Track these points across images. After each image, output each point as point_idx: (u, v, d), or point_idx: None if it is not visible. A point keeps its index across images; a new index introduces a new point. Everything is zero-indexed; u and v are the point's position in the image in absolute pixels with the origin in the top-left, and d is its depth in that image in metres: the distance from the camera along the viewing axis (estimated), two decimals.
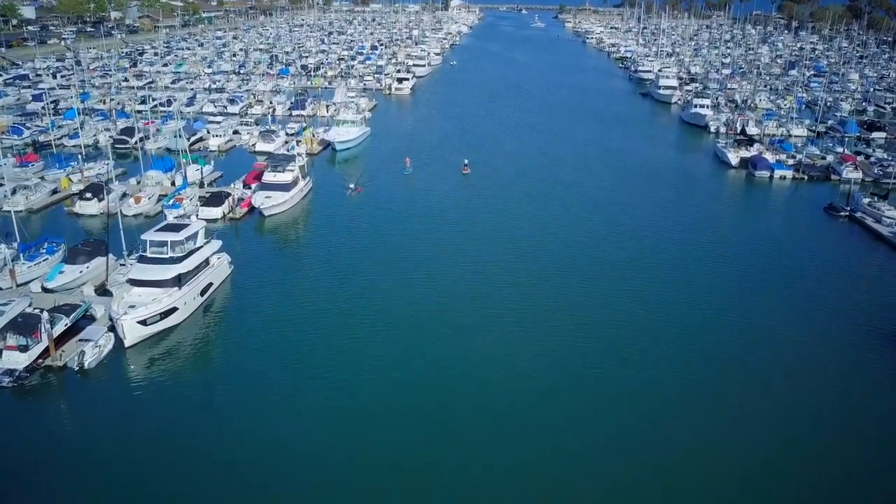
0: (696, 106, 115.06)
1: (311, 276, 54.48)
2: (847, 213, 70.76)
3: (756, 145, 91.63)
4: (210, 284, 49.89)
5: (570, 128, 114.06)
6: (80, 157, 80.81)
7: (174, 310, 45.10)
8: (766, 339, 46.45)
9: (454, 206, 71.17)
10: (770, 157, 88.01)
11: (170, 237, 47.12)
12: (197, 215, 65.13)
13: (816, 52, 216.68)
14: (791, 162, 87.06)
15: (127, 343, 42.75)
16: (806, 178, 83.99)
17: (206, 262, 50.02)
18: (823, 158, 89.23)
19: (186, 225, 49.16)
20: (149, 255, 46.62)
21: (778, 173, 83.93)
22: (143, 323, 43.13)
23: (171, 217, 53.67)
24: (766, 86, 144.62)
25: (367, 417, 37.45)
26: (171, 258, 46.44)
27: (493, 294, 51.54)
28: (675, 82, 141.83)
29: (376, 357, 42.93)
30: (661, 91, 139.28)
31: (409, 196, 73.92)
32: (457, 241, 61.67)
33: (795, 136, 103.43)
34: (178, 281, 45.99)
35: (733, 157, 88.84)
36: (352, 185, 73.54)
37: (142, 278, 45.50)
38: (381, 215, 68.03)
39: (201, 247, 49.54)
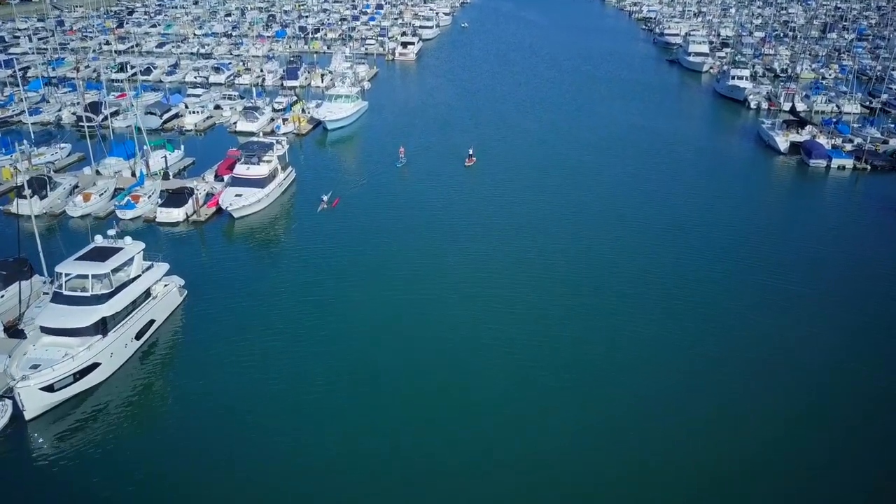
0: (733, 77, 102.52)
1: (284, 301, 44.42)
2: None
3: (808, 127, 79.55)
4: (151, 323, 39.93)
5: (590, 100, 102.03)
6: (28, 139, 69.97)
7: (95, 366, 35.19)
8: (832, 380, 37.89)
9: (453, 205, 60.47)
10: (824, 141, 76.36)
11: (92, 269, 37.00)
12: (155, 218, 55.36)
13: (853, 12, 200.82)
14: (849, 148, 75.40)
15: (28, 415, 33.04)
16: (868, 167, 72.38)
17: (147, 293, 39.97)
18: (885, 143, 77.42)
19: (117, 250, 38.89)
20: (65, 292, 36.51)
21: (836, 162, 72.39)
22: (50, 389, 33.32)
23: (113, 227, 41.86)
24: (805, 51, 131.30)
25: None
26: (94, 297, 36.38)
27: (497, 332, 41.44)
28: (706, 48, 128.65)
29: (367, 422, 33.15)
30: (690, 58, 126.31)
31: (398, 196, 62.86)
32: (454, 255, 51.24)
33: (846, 113, 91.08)
34: (102, 327, 36.01)
35: (782, 141, 77.12)
36: (324, 198, 58.77)
37: (53, 325, 35.54)
38: (367, 220, 57.46)
39: (138, 276, 39.46)
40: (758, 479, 31.16)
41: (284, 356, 38.67)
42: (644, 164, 73.18)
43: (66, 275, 36.69)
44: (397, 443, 32.71)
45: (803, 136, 77.61)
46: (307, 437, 33.07)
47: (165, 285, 42.01)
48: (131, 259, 39.01)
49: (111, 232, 39.90)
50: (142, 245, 40.12)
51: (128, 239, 39.93)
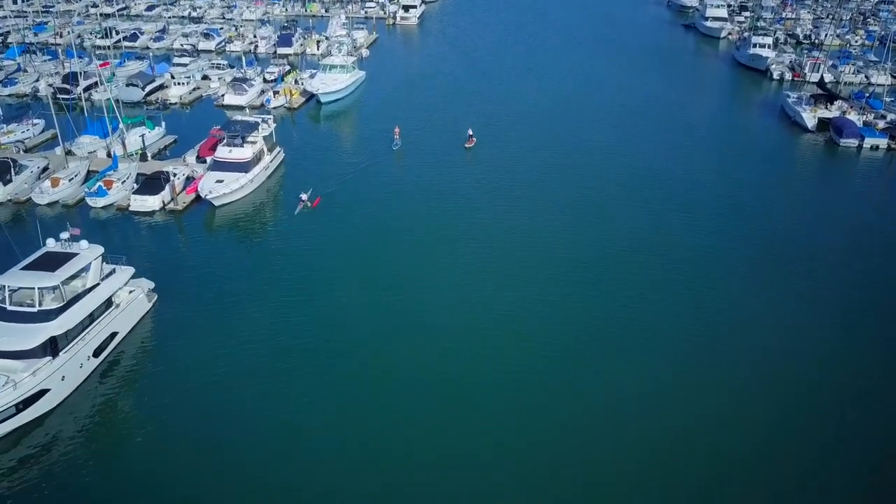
0: (754, 45, 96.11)
1: (269, 302, 40.29)
2: None
3: (838, 102, 73.81)
4: (112, 336, 35.58)
5: (600, 70, 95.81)
6: None
7: (43, 393, 30.93)
8: (874, 377, 35.10)
9: (450, 194, 55.51)
10: (855, 117, 70.84)
11: (40, 280, 32.56)
12: (129, 206, 50.78)
13: None
14: (882, 125, 69.85)
15: None
16: None
17: (108, 303, 35.56)
18: None
19: (71, 257, 34.36)
20: (8, 307, 32.09)
21: (868, 142, 66.99)
22: None
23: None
24: (828, 16, 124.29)
25: None
26: (42, 313, 32.01)
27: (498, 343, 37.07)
28: (724, 12, 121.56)
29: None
30: (707, 23, 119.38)
31: (392, 184, 57.41)
32: (451, 252, 46.62)
33: (877, 85, 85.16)
34: (52, 347, 31.69)
35: (809, 117, 71.52)
36: (303, 197, 51.88)
37: None
38: (359, 211, 52.70)
39: (97, 285, 34.99)
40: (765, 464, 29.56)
41: (268, 369, 34.71)
42: (658, 142, 67.85)
43: (10, 288, 32.22)
44: (399, 468, 28.68)
45: (832, 111, 71.99)
46: (292, 465, 29.13)
47: (131, 291, 37.58)
48: (88, 266, 34.51)
49: (64, 235, 35.28)
50: (100, 249, 35.49)
51: (84, 243, 35.23)
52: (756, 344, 37.99)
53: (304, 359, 35.61)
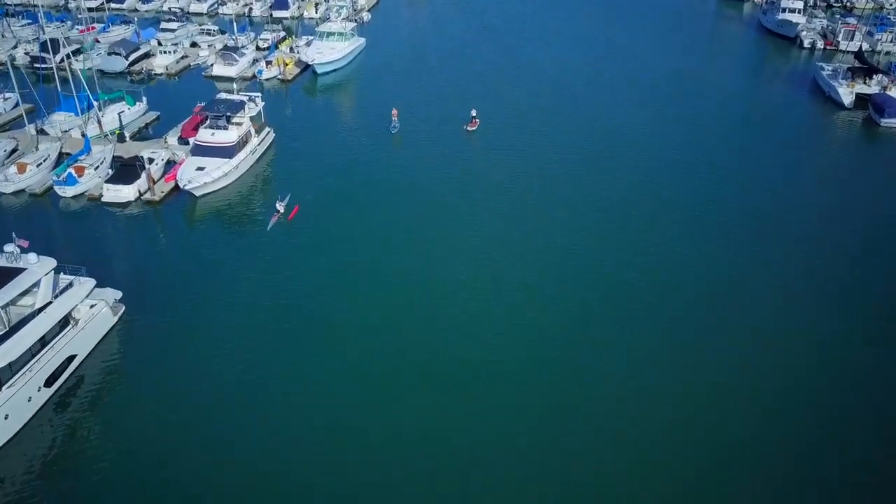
0: (783, 10, 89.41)
1: (254, 310, 36.26)
2: None
3: (878, 77, 67.83)
4: (69, 360, 31.35)
5: (615, 35, 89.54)
6: None
7: None
8: None
9: (451, 183, 50.60)
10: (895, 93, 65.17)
11: None
12: (101, 197, 46.23)
13: None
14: None
15: None
16: None
17: (64, 322, 31.27)
18: None
19: (16, 273, 29.84)
20: None
21: None
22: None
23: (13, 240, 31.94)
24: None
25: None
26: None
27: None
28: None
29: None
30: None
31: (389, 173, 51.71)
32: (450, 250, 42.03)
33: None
34: None
35: (846, 93, 65.81)
36: (279, 207, 44.76)
37: None
38: (353, 204, 47.90)
39: (48, 304, 30.63)
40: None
41: (252, 390, 30.74)
42: (679, 119, 62.49)
43: None
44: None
45: (872, 87, 66.23)
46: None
47: (92, 306, 33.22)
48: (37, 283, 30.07)
49: (9, 248, 30.71)
50: (52, 263, 30.97)
51: (32, 256, 30.66)
52: (791, 351, 33.85)
53: (297, 381, 31.43)
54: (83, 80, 54.72)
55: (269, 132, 54.92)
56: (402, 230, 43.73)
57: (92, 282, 33.27)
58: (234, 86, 59.87)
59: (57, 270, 31.86)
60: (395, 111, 58.53)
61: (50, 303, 30.68)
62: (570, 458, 28.18)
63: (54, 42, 68.71)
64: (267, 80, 69.51)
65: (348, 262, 40.27)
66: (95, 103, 54.73)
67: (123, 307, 35.46)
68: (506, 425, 29.67)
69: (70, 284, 32.32)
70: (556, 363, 33.27)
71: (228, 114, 50.13)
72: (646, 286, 38.98)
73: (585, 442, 28.98)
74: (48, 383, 30.00)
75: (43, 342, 29.94)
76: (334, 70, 72.25)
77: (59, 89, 57.49)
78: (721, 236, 44.21)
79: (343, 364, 32.92)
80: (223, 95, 53.90)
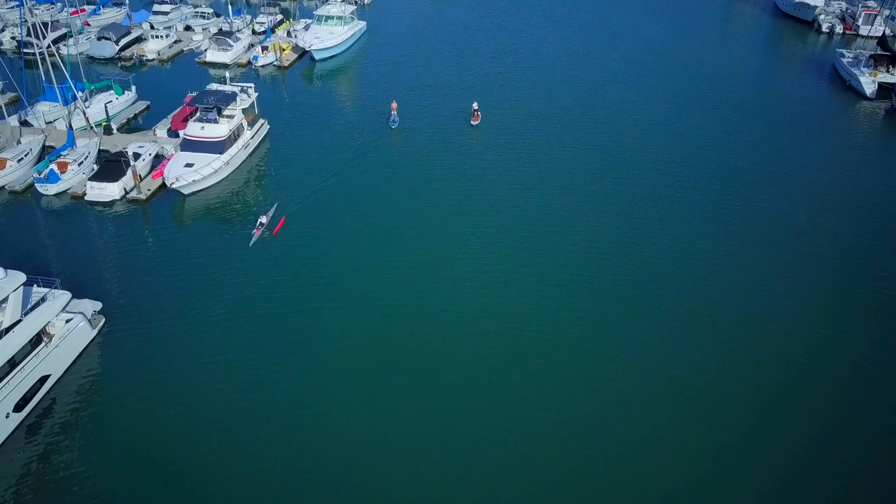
0: None
1: (246, 318, 34.21)
2: None
3: None
4: (43, 380, 29.23)
5: (626, 19, 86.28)
6: None
7: None
8: None
9: (454, 183, 47.98)
10: None
11: None
12: (84, 195, 43.89)
13: None
14: None
15: None
16: None
17: (36, 340, 29.09)
18: None
19: None
20: None
21: None
22: None
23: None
24: None
25: None
26: None
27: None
28: None
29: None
30: None
31: (388, 174, 48.89)
32: (451, 253, 39.67)
33: None
34: None
35: (868, 82, 62.89)
36: (263, 220, 41.16)
37: None
38: (350, 205, 45.52)
39: (18, 322, 28.41)
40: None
41: (239, 407, 28.71)
42: (691, 110, 59.70)
43: None
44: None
45: (894, 75, 63.25)
46: None
47: (68, 320, 31.02)
48: (4, 300, 27.81)
49: None
50: (21, 278, 28.67)
51: None
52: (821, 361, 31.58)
53: (289, 398, 29.27)
54: (69, 67, 52.09)
55: (262, 124, 52.33)
56: (400, 236, 41.34)
57: (67, 295, 31.05)
58: (228, 73, 57.21)
59: (29, 283, 29.68)
60: (394, 104, 55.67)
61: (19, 321, 28.45)
62: (570, 457, 27.64)
63: (44, 25, 66.04)
64: (263, 66, 66.79)
65: (341, 270, 37.97)
66: (80, 94, 52.05)
67: (103, 319, 33.31)
68: (506, 425, 28.91)
69: (43, 299, 30.09)
70: (556, 363, 32.12)
71: (219, 106, 47.54)
72: (653, 284, 37.25)
73: (586, 442, 28.39)
74: (18, 408, 27.92)
75: (12, 364, 27.82)
76: (333, 56, 69.38)
77: (44, 77, 54.87)
78: (738, 232, 41.93)
79: (341, 370, 30.84)
80: (214, 86, 51.38)
